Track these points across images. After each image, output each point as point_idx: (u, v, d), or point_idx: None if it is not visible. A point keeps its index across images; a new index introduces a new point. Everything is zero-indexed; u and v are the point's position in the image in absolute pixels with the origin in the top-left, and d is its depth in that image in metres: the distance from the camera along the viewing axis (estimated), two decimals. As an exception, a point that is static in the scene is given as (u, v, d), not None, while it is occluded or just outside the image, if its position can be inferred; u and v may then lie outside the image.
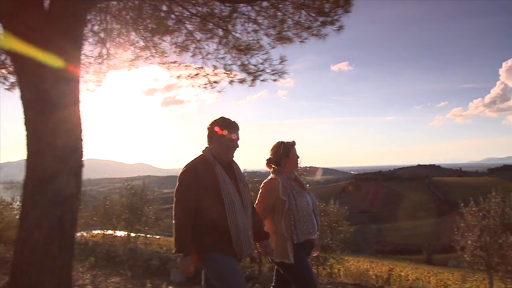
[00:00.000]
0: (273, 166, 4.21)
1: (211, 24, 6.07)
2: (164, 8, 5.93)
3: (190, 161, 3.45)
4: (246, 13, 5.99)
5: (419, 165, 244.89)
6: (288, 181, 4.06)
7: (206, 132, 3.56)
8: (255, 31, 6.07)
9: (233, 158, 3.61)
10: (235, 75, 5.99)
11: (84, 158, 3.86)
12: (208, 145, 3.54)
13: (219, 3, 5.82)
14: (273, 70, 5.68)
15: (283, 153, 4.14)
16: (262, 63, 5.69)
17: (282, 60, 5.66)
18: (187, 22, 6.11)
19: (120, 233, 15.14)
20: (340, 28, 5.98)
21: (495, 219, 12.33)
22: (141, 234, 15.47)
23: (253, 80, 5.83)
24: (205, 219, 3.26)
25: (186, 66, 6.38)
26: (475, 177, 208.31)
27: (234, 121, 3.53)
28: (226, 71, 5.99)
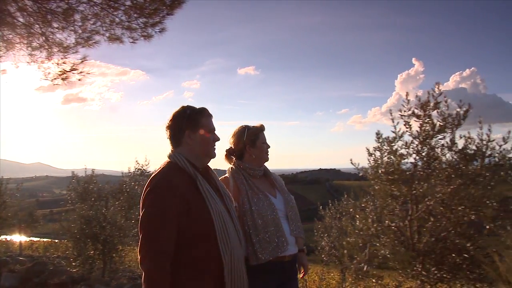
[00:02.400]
0: (234, 159, 3.19)
1: (36, 23, 5.89)
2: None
3: (156, 171, 2.41)
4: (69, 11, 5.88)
5: (320, 169, 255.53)
6: (249, 180, 3.03)
7: (167, 133, 2.52)
8: (74, 29, 5.97)
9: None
10: (48, 73, 5.83)
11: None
12: (173, 149, 2.49)
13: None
14: (78, 70, 5.61)
15: (248, 141, 3.09)
16: (58, 63, 5.60)
17: (83, 59, 5.60)
18: (14, 19, 5.89)
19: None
20: (162, 30, 6.04)
21: (348, 220, 13.10)
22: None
23: (63, 79, 5.71)
24: (188, 258, 2.25)
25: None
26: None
27: (203, 108, 2.56)
28: (40, 69, 5.82)
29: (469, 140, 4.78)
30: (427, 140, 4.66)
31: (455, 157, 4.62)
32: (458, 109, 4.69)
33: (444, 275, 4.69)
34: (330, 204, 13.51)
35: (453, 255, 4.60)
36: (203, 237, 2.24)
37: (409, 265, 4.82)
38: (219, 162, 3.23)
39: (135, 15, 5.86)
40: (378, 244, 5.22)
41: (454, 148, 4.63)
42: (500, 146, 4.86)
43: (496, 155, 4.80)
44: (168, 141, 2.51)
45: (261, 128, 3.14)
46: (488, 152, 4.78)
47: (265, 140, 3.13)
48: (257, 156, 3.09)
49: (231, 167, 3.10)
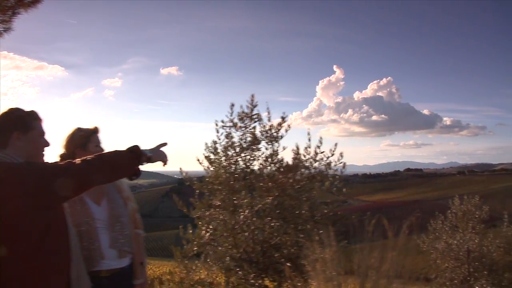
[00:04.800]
0: None
1: None
2: None
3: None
4: None
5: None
6: None
7: None
8: None
9: None
10: None
11: None
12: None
13: None
14: None
15: (78, 143, 2.79)
16: None
17: None
18: None
19: None
20: (8, 29, 5.85)
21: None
22: None
23: None
24: (41, 251, 2.04)
25: None
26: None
27: (33, 110, 2.34)
28: None
29: (296, 152, 5.00)
30: (245, 151, 4.77)
31: (273, 168, 4.75)
32: (280, 120, 4.89)
33: (268, 283, 4.84)
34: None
35: (277, 263, 4.76)
36: (55, 231, 2.10)
37: (235, 272, 4.92)
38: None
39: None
40: (211, 252, 5.25)
41: (273, 160, 4.77)
42: (328, 158, 5.11)
43: (322, 167, 5.04)
44: None
45: (94, 130, 2.85)
46: (315, 164, 5.01)
47: (99, 143, 2.84)
48: None
49: None
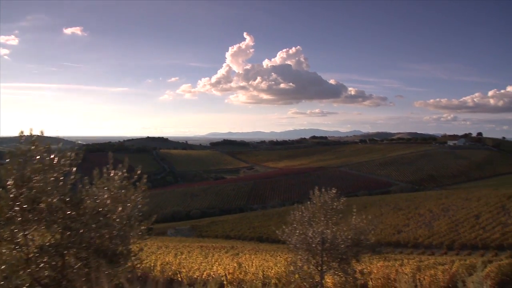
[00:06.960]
0: None
1: None
2: None
3: None
4: None
5: (148, 137, 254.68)
6: None
7: None
8: None
9: None
10: None
11: None
12: None
13: None
14: None
15: None
16: None
17: None
18: None
19: None
20: None
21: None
22: None
23: None
24: None
25: None
26: (199, 150, 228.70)
27: None
28: None
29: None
30: (28, 183, 4.46)
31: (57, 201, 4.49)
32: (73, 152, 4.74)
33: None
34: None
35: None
36: None
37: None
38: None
39: None
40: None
41: (60, 192, 4.52)
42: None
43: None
44: None
45: None
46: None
47: None
48: None
49: None
